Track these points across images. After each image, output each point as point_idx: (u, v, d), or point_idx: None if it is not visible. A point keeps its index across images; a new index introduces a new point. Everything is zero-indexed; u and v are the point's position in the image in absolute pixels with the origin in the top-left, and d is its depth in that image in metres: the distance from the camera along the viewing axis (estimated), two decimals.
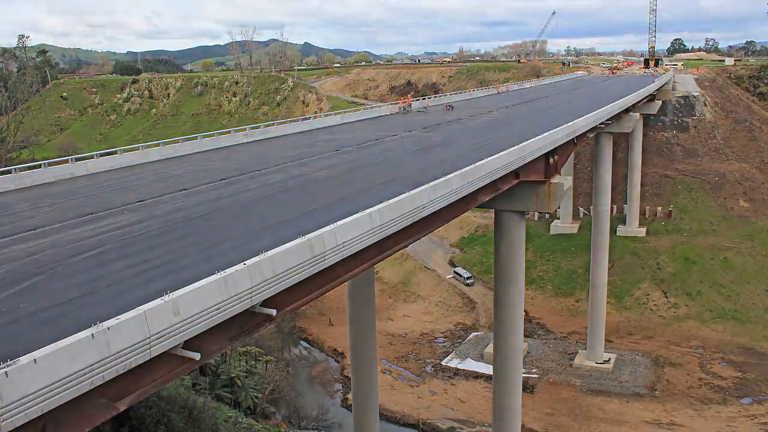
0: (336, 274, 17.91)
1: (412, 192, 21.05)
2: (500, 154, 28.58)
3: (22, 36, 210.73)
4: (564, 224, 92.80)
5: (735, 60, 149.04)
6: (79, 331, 10.02)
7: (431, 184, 22.39)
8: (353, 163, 30.73)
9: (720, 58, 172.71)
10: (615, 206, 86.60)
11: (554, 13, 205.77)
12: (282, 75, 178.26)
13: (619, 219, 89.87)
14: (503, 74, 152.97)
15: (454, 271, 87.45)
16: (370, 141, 38.34)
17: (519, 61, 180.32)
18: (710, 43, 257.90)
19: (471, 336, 74.76)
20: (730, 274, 78.82)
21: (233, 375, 51.54)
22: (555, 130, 35.68)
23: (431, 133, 41.70)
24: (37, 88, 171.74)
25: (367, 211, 18.43)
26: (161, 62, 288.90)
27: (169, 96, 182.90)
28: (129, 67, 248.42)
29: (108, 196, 24.02)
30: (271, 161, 31.06)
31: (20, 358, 9.04)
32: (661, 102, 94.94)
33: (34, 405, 9.10)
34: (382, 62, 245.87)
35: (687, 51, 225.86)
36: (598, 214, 66.66)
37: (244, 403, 50.11)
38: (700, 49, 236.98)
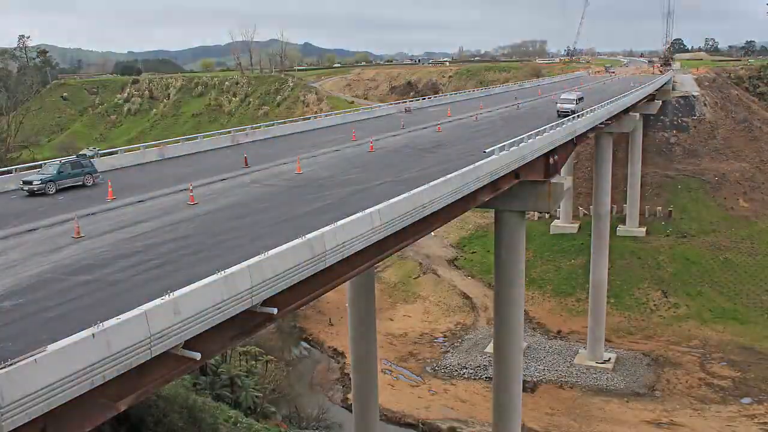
0: (336, 273, 17.93)
1: (413, 192, 21.08)
2: (500, 154, 28.62)
3: (23, 36, 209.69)
4: (564, 224, 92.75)
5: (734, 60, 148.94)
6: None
7: (431, 183, 22.43)
8: None
9: (722, 59, 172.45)
10: (615, 206, 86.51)
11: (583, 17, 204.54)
12: (282, 75, 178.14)
13: (619, 219, 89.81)
14: (503, 74, 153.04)
15: None
16: None
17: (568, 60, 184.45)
18: (710, 43, 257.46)
19: (471, 336, 74.74)
20: (730, 274, 78.83)
21: (233, 375, 51.53)
22: (555, 130, 35.72)
23: None
24: (37, 88, 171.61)
25: (367, 211, 18.46)
26: (161, 62, 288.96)
27: (169, 96, 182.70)
28: (129, 67, 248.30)
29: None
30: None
31: (20, 357, 9.06)
32: (660, 102, 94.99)
33: (35, 405, 9.11)
34: (382, 62, 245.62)
35: (687, 51, 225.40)
36: (598, 214, 66.68)
37: (244, 402, 50.07)
38: (700, 49, 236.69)
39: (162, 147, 35.69)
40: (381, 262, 31.92)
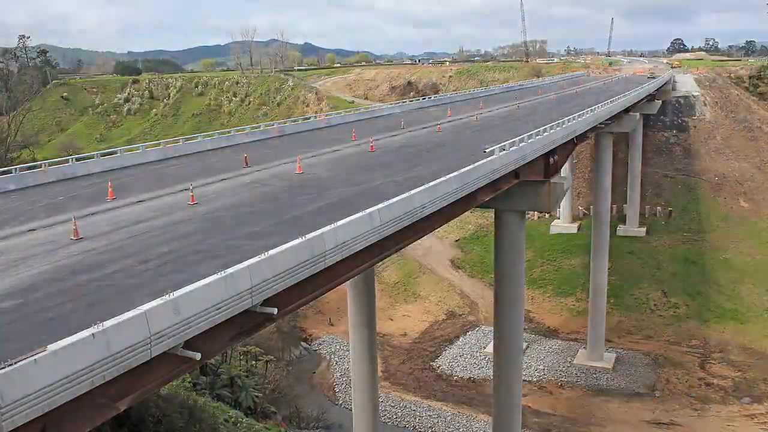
0: (336, 273, 17.93)
1: (412, 192, 21.08)
2: (500, 154, 28.62)
3: (23, 36, 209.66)
4: (564, 224, 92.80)
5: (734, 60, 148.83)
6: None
7: (431, 183, 22.42)
8: None
9: (722, 59, 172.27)
10: (615, 206, 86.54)
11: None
12: (282, 75, 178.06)
13: (619, 219, 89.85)
14: (503, 74, 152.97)
15: None
16: None
17: (527, 60, 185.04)
18: (710, 42, 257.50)
19: (471, 336, 74.73)
20: (730, 274, 78.81)
21: (233, 375, 51.51)
22: (555, 130, 35.72)
23: None
24: (38, 88, 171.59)
25: (367, 211, 18.47)
26: (162, 62, 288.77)
27: (169, 96, 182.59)
28: (129, 67, 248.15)
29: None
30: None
31: (20, 357, 9.06)
32: (661, 102, 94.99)
33: (35, 405, 9.11)
34: (382, 62, 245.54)
35: (687, 51, 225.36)
36: (598, 214, 66.67)
37: (244, 402, 50.05)
38: (700, 49, 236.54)
39: (162, 147, 35.68)
40: (381, 262, 32.18)
